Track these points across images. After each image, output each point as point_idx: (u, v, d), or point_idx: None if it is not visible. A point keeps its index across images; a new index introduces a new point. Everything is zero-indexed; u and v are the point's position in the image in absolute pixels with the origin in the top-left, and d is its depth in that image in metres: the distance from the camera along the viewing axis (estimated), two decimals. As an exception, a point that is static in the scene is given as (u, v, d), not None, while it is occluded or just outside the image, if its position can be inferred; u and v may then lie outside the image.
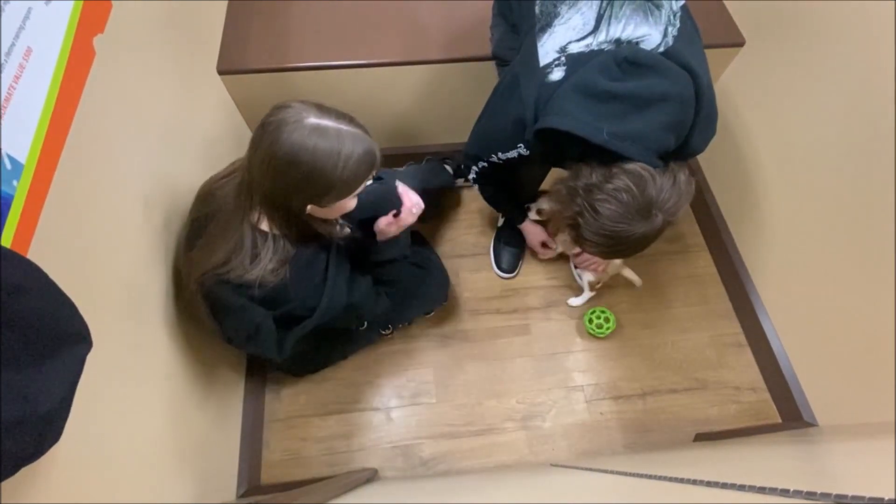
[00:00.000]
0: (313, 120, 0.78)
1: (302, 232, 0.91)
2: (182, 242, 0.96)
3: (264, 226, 0.89)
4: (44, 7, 0.65)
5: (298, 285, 0.92)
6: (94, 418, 0.70)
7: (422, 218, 1.08)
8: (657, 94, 0.86)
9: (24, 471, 0.48)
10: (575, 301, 1.55)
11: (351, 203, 0.89)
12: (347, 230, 1.02)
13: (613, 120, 0.86)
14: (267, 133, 0.78)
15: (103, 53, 0.77)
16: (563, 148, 0.92)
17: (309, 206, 0.84)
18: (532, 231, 1.51)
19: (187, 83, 1.13)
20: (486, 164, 1.13)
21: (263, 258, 0.86)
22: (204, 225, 0.90)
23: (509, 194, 1.38)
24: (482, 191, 1.31)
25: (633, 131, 0.86)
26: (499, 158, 1.07)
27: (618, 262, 1.46)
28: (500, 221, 1.66)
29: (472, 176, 1.21)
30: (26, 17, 0.62)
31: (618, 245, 0.95)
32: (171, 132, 1.04)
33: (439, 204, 1.69)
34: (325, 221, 0.94)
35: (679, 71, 0.87)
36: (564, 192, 0.98)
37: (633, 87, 0.86)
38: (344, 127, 0.80)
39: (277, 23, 1.43)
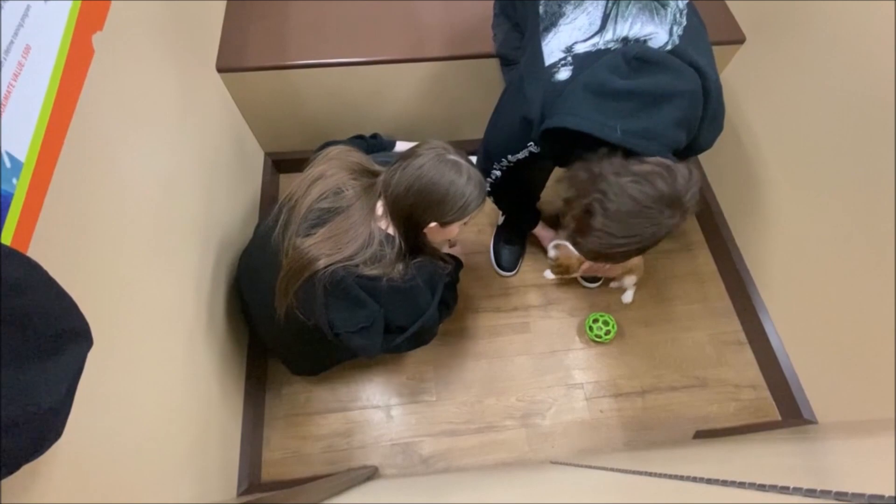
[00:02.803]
0: (452, 157, 0.95)
1: (414, 248, 1.04)
2: (295, 225, 1.00)
3: (391, 231, 1.01)
4: (43, 5, 0.65)
5: (419, 297, 1.04)
6: (95, 416, 0.71)
7: None
8: (668, 91, 0.86)
9: (24, 469, 0.48)
10: (625, 298, 1.56)
11: (458, 229, 1.04)
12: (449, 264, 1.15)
13: (625, 118, 0.86)
14: (413, 161, 0.95)
15: (102, 51, 0.77)
16: (570, 147, 0.92)
17: (433, 224, 0.98)
18: (545, 236, 1.55)
19: (186, 80, 1.13)
20: (499, 174, 1.13)
21: (388, 258, 0.98)
22: (326, 217, 0.99)
23: (522, 200, 1.38)
24: (497, 202, 1.30)
25: (646, 128, 0.86)
26: (510, 161, 1.07)
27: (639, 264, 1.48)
28: (501, 220, 1.66)
29: (486, 189, 1.20)
30: (25, 15, 0.62)
31: (630, 234, 0.88)
32: (170, 129, 1.04)
33: None
34: (432, 244, 1.10)
35: (687, 68, 0.87)
36: (585, 177, 0.91)
37: (644, 85, 0.85)
38: (470, 166, 0.97)
39: (277, 20, 1.42)
